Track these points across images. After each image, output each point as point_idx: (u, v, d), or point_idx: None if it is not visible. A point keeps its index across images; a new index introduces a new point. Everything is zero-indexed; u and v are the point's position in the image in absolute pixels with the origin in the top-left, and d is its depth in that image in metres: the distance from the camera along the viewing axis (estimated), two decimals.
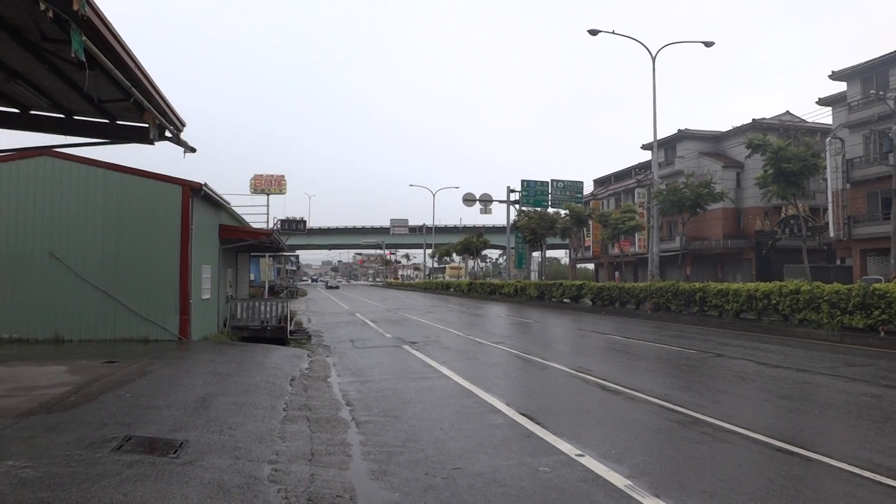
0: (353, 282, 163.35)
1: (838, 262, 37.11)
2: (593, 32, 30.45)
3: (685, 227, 36.29)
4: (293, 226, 44.82)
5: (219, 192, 17.32)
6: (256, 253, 34.10)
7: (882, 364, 12.32)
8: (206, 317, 16.52)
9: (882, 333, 15.80)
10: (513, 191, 52.49)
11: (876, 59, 33.13)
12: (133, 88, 6.86)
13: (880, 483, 5.30)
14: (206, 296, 16.50)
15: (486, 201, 56.44)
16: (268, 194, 64.31)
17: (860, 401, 8.85)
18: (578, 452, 6.21)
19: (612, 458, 6.05)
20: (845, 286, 17.46)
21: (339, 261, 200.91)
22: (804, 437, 6.85)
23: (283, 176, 67.60)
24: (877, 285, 16.61)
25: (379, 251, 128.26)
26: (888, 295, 15.64)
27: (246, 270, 28.53)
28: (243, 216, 26.29)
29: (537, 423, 7.44)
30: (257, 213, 64.38)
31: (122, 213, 14.56)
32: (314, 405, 8.69)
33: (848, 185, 34.38)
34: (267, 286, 39.94)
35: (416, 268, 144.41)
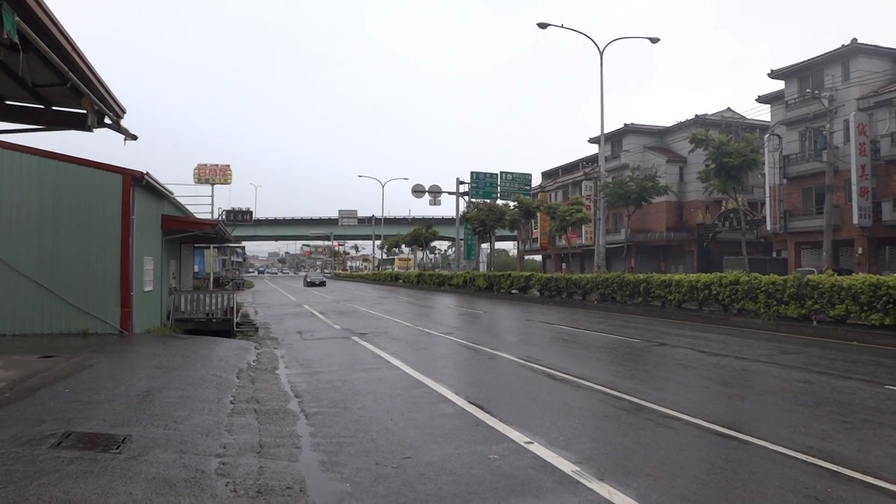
0: (300, 273, 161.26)
1: (774, 255, 38.57)
2: (542, 26, 30.70)
3: (630, 219, 37.10)
4: (239, 216, 43.94)
5: (162, 181, 16.84)
6: (201, 244, 33.36)
7: (814, 352, 12.89)
8: (148, 309, 16.08)
9: (815, 323, 16.52)
10: (462, 182, 52.65)
11: (812, 59, 34.44)
12: (70, 73, 6.61)
13: (813, 464, 5.56)
14: (149, 288, 16.05)
15: (436, 193, 56.44)
16: (212, 184, 62.90)
17: (794, 387, 9.25)
18: (527, 440, 6.31)
19: (560, 444, 6.17)
20: (781, 277, 18.17)
21: (286, 252, 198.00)
22: (742, 421, 7.13)
23: (228, 166, 66.21)
24: (810, 277, 17.35)
25: (327, 242, 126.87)
26: (820, 286, 16.36)
27: (190, 262, 27.84)
28: (187, 206, 25.62)
29: (487, 412, 7.52)
30: (202, 204, 62.75)
31: (59, 202, 13.99)
32: (262, 397, 8.58)
33: (784, 181, 35.70)
34: (212, 278, 39.16)
35: (364, 259, 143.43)
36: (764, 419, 7.35)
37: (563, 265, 55.21)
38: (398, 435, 6.59)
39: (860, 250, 31.64)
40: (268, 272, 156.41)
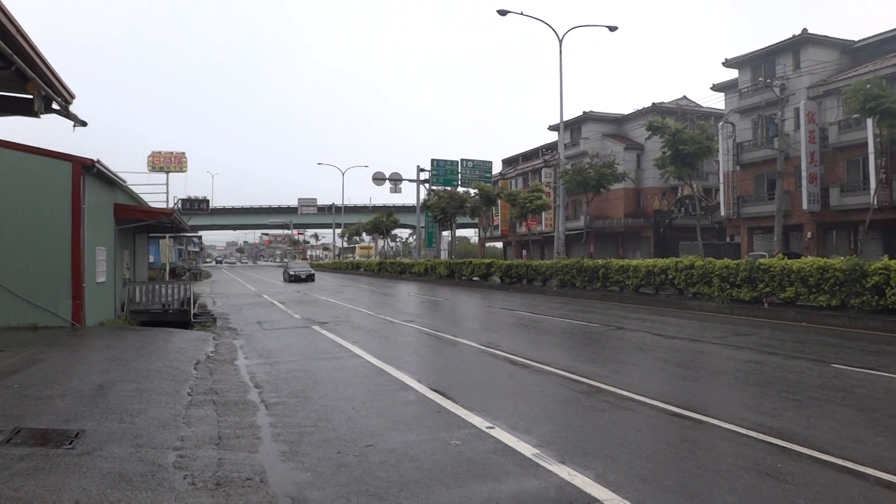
0: (259, 262, 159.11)
1: (728, 240, 39.51)
2: (502, 13, 30.69)
3: (589, 206, 37.55)
4: (195, 205, 43.15)
5: (114, 169, 16.38)
6: (156, 234, 32.63)
7: (765, 333, 13.28)
8: (101, 301, 15.67)
9: (766, 305, 17.01)
10: (423, 170, 52.53)
11: (765, 48, 35.20)
12: (15, 56, 6.36)
13: (764, 441, 5.74)
14: (102, 279, 15.64)
15: (396, 180, 56.22)
16: (167, 172, 61.55)
17: (746, 367, 9.52)
18: (489, 425, 6.36)
19: (520, 429, 6.24)
20: (734, 262, 18.65)
21: (244, 241, 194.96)
22: (697, 401, 7.31)
23: (183, 153, 64.82)
24: (762, 261, 17.84)
25: (286, 231, 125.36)
26: (771, 270, 16.84)
27: (145, 252, 27.20)
28: (141, 195, 25.04)
29: (448, 399, 7.56)
30: (156, 192, 61.26)
31: (4, 191, 13.48)
32: (221, 388, 8.46)
33: (737, 168, 36.51)
34: (168, 268, 38.35)
35: (325, 248, 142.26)
36: (717, 399, 7.56)
37: (524, 252, 55.66)
38: (360, 423, 6.58)
39: (809, 235, 32.64)
40: (226, 262, 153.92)
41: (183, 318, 17.43)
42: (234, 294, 31.58)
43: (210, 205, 48.20)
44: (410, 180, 54.81)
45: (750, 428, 6.13)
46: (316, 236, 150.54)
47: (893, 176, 27.87)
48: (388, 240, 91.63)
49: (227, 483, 4.80)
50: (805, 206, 31.31)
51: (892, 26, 36.92)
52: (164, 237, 39.72)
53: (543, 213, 49.51)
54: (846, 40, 33.94)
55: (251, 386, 8.69)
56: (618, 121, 52.17)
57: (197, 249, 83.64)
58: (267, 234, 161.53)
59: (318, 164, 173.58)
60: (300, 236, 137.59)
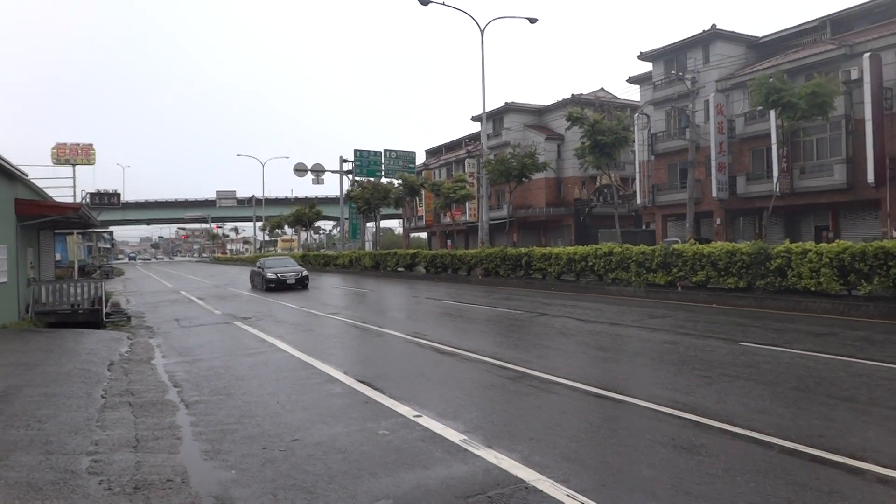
0: (175, 258, 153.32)
1: (644, 227, 40.99)
2: (423, 2, 30.56)
3: (512, 195, 38.11)
4: (105, 199, 41.07)
5: (15, 162, 15.37)
6: (62, 230, 30.94)
7: (679, 315, 13.89)
8: (3, 303, 14.72)
9: (679, 288, 17.78)
10: (346, 161, 51.91)
11: (677, 42, 36.57)
12: None
13: (678, 417, 6.02)
14: (3, 279, 14.69)
15: (319, 171, 55.24)
16: (74, 165, 58.24)
17: (662, 348, 9.94)
18: (416, 413, 6.39)
19: (448, 416, 6.30)
20: (650, 248, 19.38)
21: (159, 237, 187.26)
22: (617, 382, 7.58)
23: (91, 145, 61.40)
24: (675, 246, 18.62)
25: (204, 225, 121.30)
26: (684, 255, 17.60)
27: (50, 250, 25.72)
28: (46, 189, 23.63)
29: (376, 389, 7.54)
30: (63, 186, 57.92)
31: None
32: (137, 389, 8.12)
33: (652, 157, 37.90)
34: (77, 266, 36.43)
35: (245, 241, 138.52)
36: (636, 379, 7.85)
37: (449, 242, 56.00)
38: (285, 418, 6.47)
39: (718, 221, 34.30)
40: (140, 258, 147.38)
41: (94, 317, 16.62)
42: (150, 291, 30.33)
43: (122, 199, 45.98)
44: (333, 171, 54.06)
45: (666, 405, 6.40)
46: (236, 230, 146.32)
47: (794, 165, 29.63)
48: (312, 232, 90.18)
49: (147, 486, 4.63)
50: (714, 193, 32.86)
51: (794, 23, 39.03)
52: (72, 234, 37.66)
53: (467, 203, 49.95)
54: (752, 36, 35.70)
55: (170, 385, 8.39)
56: (539, 112, 53.09)
57: (108, 246, 79.65)
58: (184, 229, 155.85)
59: (237, 155, 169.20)
60: (219, 230, 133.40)
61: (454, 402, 6.89)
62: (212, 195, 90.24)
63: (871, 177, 26.27)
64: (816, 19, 32.70)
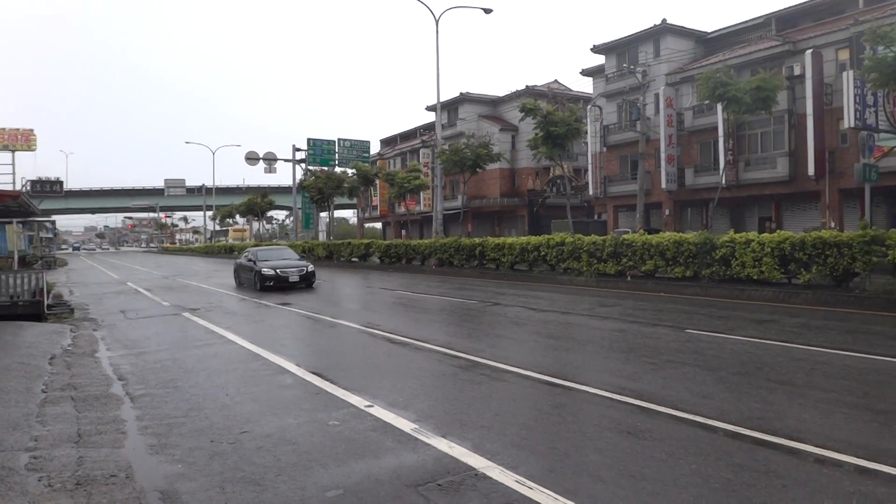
0: (122, 248, 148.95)
1: (596, 217, 41.68)
2: None
3: (466, 186, 38.20)
4: (47, 187, 39.70)
5: None
6: (1, 219, 29.69)
7: (628, 304, 14.18)
8: None
9: (629, 278, 18.15)
10: (299, 149, 51.17)
11: (629, 36, 37.12)
12: None
13: (626, 403, 6.16)
14: None
15: (271, 160, 54.30)
16: (13, 151, 55.88)
17: (611, 336, 10.14)
18: (368, 404, 6.37)
19: (399, 405, 6.30)
20: (601, 238, 19.72)
21: (105, 226, 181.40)
22: (567, 370, 7.70)
23: (31, 130, 58.97)
24: (625, 236, 18.99)
25: (152, 214, 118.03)
26: (633, 245, 17.97)
27: None
28: None
29: (327, 380, 7.49)
30: (1, 174, 55.73)
31: None
32: (80, 383, 7.88)
33: (604, 149, 38.47)
34: (17, 257, 35.05)
35: (195, 231, 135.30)
36: (585, 367, 8.00)
37: (403, 232, 55.86)
38: (234, 410, 6.37)
39: (667, 212, 35.09)
40: (84, 248, 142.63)
41: (35, 310, 16.01)
42: (94, 282, 29.42)
43: (65, 186, 44.37)
44: (286, 160, 53.22)
45: (614, 391, 6.54)
46: (185, 219, 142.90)
47: (740, 157, 30.48)
48: (264, 222, 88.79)
49: (89, 482, 4.51)
50: (664, 185, 33.59)
51: (742, 19, 40.02)
52: (11, 223, 36.21)
53: (422, 193, 49.85)
54: (701, 31, 36.49)
55: (114, 378, 8.17)
56: (493, 102, 53.26)
57: (50, 236, 76.77)
58: (130, 218, 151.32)
59: (187, 143, 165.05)
60: (168, 219, 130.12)
61: (406, 391, 6.90)
62: (160, 184, 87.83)
63: (811, 170, 27.25)
64: (763, 16, 33.64)
